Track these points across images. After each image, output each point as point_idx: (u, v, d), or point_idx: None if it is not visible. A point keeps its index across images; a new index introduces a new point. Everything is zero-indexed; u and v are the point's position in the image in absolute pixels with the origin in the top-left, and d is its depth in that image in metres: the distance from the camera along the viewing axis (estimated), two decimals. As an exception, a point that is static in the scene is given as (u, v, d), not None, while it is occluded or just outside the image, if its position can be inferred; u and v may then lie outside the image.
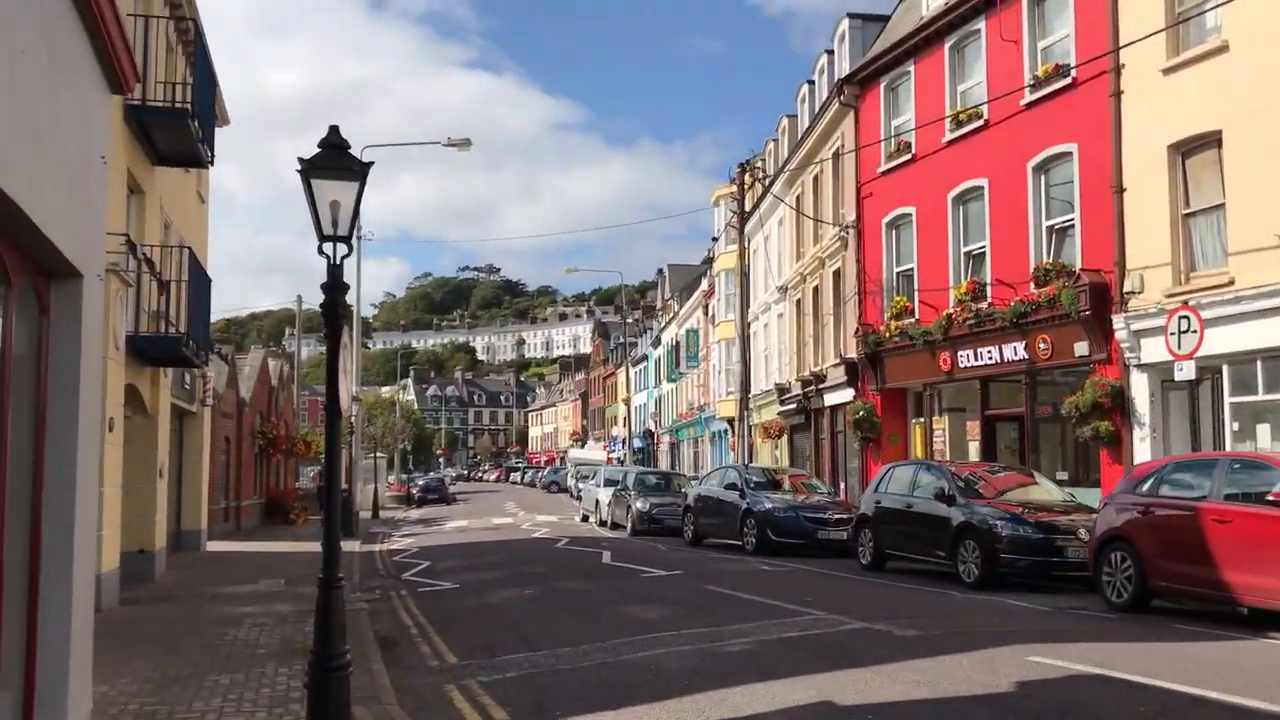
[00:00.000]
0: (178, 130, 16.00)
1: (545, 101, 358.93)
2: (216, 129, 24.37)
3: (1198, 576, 11.04)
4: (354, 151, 7.11)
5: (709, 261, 56.20)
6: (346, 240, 7.04)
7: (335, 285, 6.96)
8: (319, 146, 6.97)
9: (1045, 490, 16.74)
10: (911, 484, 17.20)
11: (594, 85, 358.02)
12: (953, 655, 8.91)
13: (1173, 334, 14.56)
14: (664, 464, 65.22)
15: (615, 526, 30.52)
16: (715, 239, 52.71)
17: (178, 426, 22.66)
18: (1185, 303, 15.41)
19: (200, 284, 17.64)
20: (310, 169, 6.86)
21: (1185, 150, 18.06)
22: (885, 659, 8.84)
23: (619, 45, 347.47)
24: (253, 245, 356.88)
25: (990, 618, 11.53)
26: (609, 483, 33.57)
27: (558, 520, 36.45)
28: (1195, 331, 14.25)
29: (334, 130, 7.03)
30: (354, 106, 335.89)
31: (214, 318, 36.02)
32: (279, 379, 40.63)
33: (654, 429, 72.66)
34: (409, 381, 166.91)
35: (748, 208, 33.53)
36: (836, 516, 20.89)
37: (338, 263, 6.98)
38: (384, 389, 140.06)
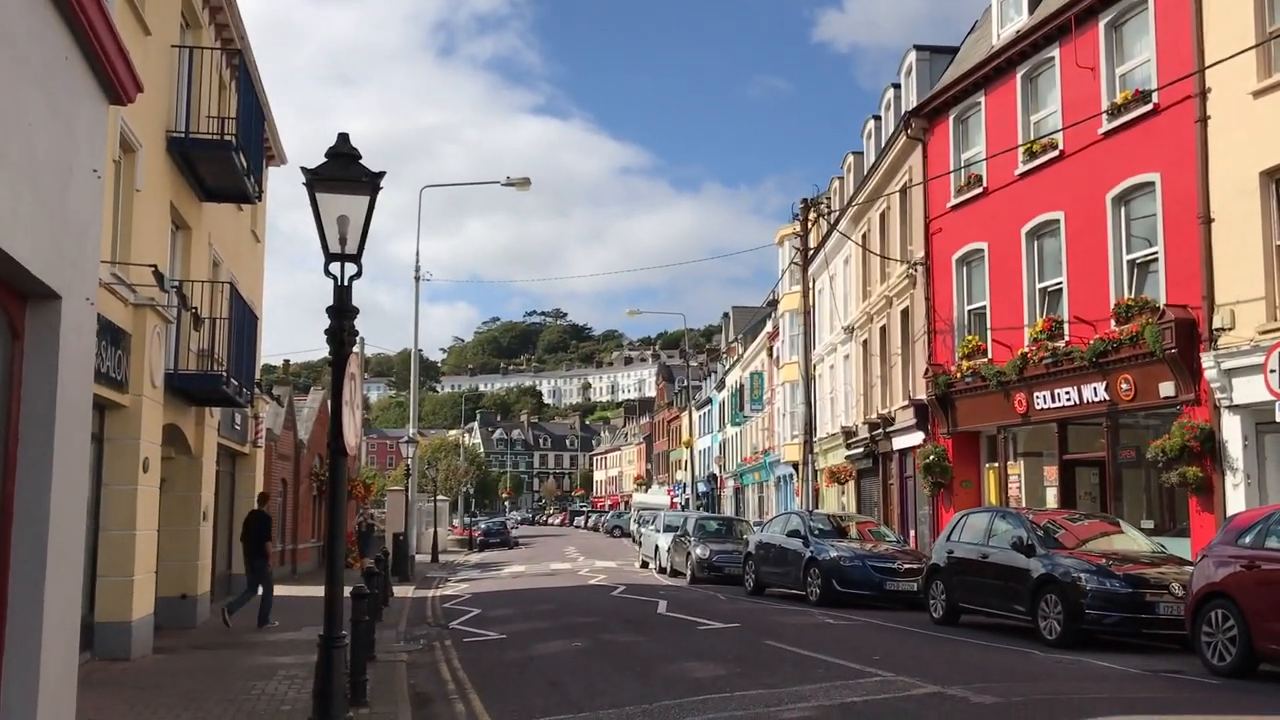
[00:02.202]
0: (222, 163, 15.67)
1: (612, 146, 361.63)
2: (272, 167, 24.37)
3: (1314, 640, 9.87)
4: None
5: (773, 303, 55.33)
6: (356, 259, 6.36)
7: (342, 310, 6.30)
8: (326, 155, 6.32)
9: (1132, 540, 15.51)
10: (987, 532, 16.07)
11: (660, 130, 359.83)
12: (1038, 728, 7.91)
13: (1273, 371, 13.41)
14: (728, 509, 64.11)
15: (674, 573, 29.55)
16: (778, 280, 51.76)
17: (229, 468, 22.30)
18: None
19: (245, 321, 17.22)
20: (315, 180, 6.21)
21: (1279, 177, 16.95)
22: (961, 731, 7.86)
23: (685, 88, 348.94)
24: (327, 290, 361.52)
25: (1079, 682, 10.43)
26: (668, 528, 32.63)
27: (616, 566, 35.58)
28: (1300, 368, 13.11)
29: (343, 138, 6.38)
30: (424, 153, 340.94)
31: (286, 360, 36.20)
32: (339, 421, 40.42)
33: (718, 473, 71.58)
34: (475, 425, 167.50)
35: (812, 245, 32.71)
36: (906, 566, 19.76)
37: (345, 284, 6.32)
38: (450, 432, 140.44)
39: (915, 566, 19.54)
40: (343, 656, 6.36)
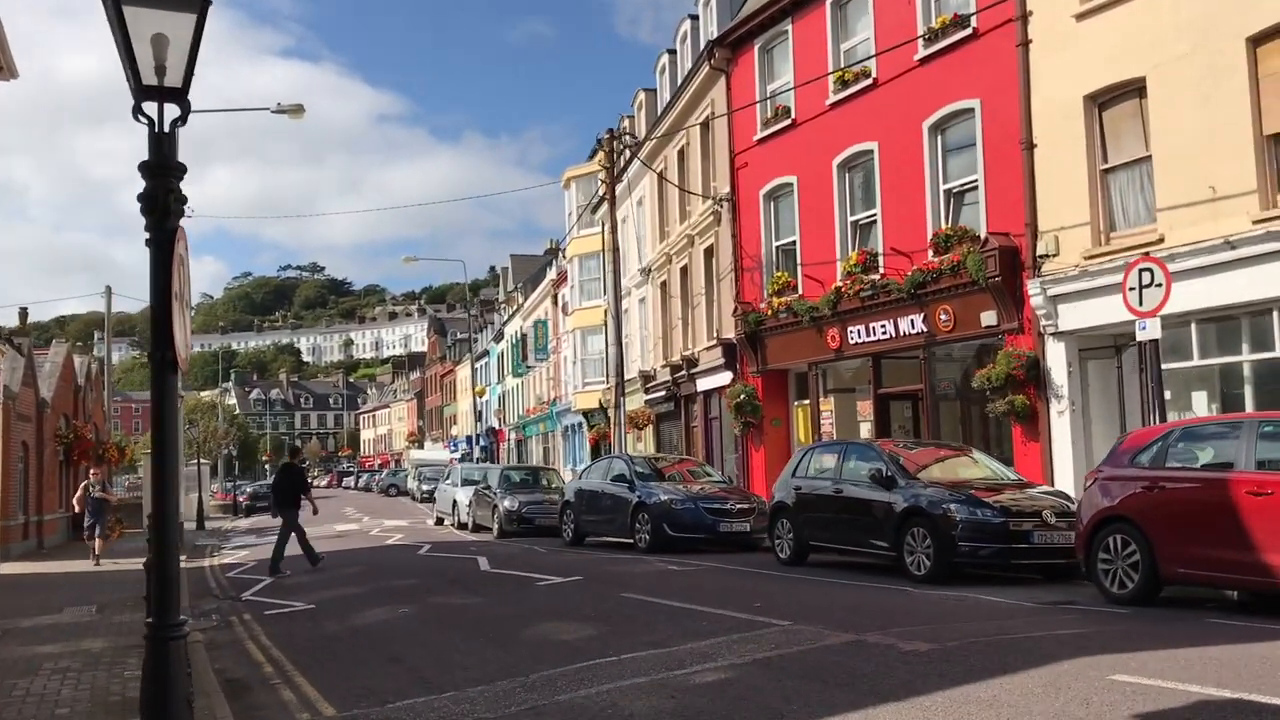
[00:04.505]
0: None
1: (367, 92, 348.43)
2: (1, 80, 20.88)
3: (1230, 560, 9.29)
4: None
5: (552, 251, 54.04)
6: (180, 97, 4.50)
7: (164, 165, 4.44)
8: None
9: (984, 468, 14.83)
10: (838, 467, 15.15)
11: (418, 76, 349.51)
12: (1006, 677, 6.83)
13: (1133, 289, 13.05)
14: (509, 462, 62.64)
15: (478, 528, 27.87)
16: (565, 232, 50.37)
17: (-41, 429, 19.15)
18: (1146, 254, 14.00)
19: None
20: (119, -22, 4.30)
21: (1103, 101, 16.85)
22: (919, 687, 6.71)
23: (444, 31, 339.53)
24: (53, 243, 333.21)
25: (989, 621, 9.52)
26: (468, 481, 30.86)
27: (409, 525, 33.57)
28: (1160, 285, 12.77)
29: (158, -78, 4.46)
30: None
31: (24, 310, 31.78)
32: (86, 378, 36.39)
33: (498, 426, 69.93)
34: (230, 385, 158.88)
35: (607, 185, 31.35)
36: (739, 507, 18.80)
37: (166, 130, 4.45)
38: (204, 393, 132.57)
39: (747, 506, 18.68)
40: (181, 650, 4.55)
